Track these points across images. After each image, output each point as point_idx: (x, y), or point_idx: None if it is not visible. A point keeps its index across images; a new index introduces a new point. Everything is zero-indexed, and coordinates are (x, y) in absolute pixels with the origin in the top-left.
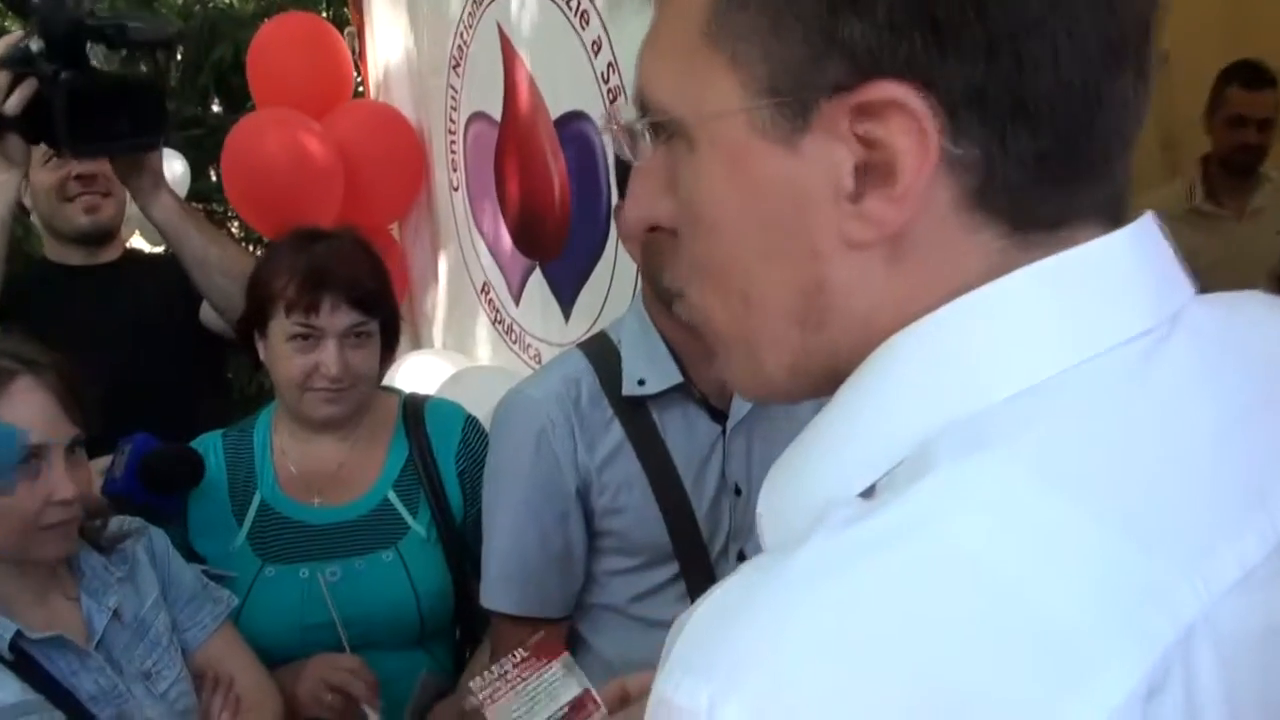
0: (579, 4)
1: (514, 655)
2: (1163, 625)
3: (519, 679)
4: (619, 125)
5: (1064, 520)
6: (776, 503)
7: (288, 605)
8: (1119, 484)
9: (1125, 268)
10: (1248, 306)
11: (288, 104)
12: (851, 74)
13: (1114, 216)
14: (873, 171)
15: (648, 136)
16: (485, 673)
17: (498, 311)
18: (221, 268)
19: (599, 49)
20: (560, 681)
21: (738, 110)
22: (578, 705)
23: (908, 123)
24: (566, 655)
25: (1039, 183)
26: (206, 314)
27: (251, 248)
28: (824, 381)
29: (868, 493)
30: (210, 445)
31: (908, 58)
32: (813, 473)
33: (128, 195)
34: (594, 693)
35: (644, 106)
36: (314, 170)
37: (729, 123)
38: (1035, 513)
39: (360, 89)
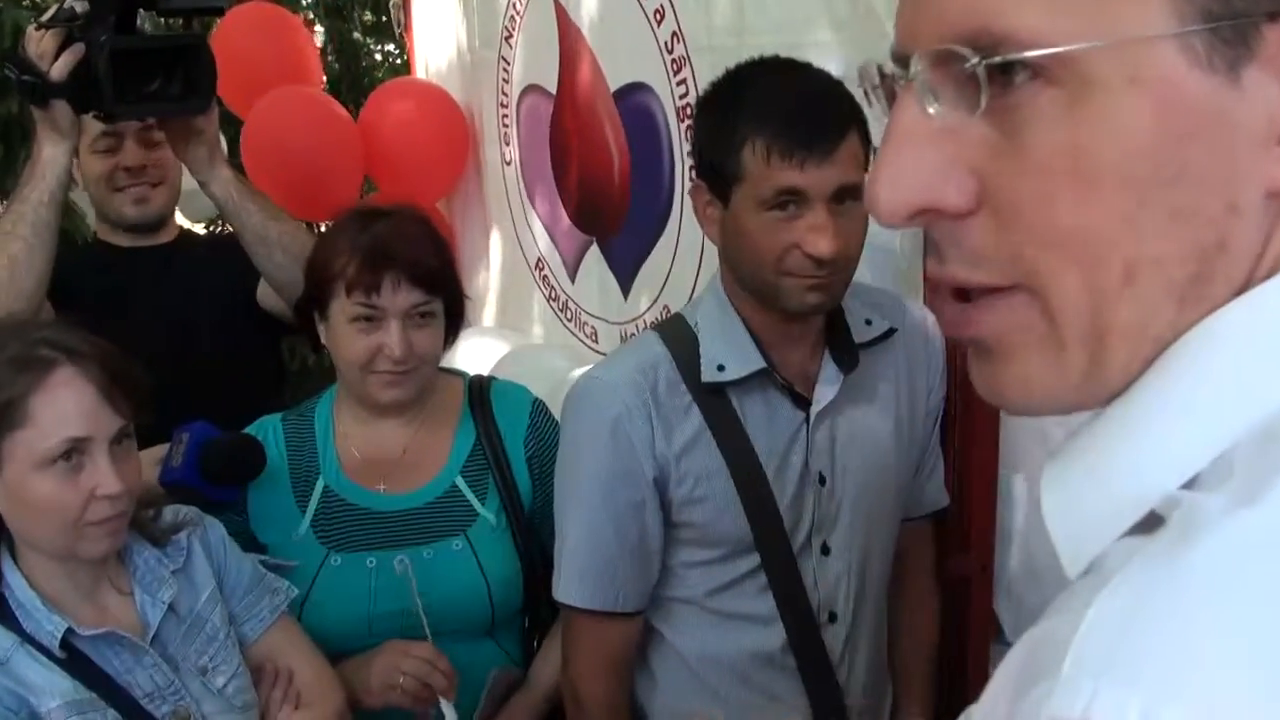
0: None
1: None
2: None
3: None
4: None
5: None
6: (1072, 500)
7: (355, 595)
8: None
9: None
10: None
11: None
12: None
13: None
14: None
15: (975, 86)
16: None
17: (553, 289)
18: (282, 244)
19: (661, 18)
20: None
21: (1170, 36)
22: None
23: None
24: None
25: None
26: (264, 295)
27: None
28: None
29: (1189, 484)
30: (269, 429)
31: None
32: (1123, 467)
33: (181, 176)
34: None
35: (988, 45)
36: (332, 147)
37: (1158, 51)
38: None
39: (404, 60)
